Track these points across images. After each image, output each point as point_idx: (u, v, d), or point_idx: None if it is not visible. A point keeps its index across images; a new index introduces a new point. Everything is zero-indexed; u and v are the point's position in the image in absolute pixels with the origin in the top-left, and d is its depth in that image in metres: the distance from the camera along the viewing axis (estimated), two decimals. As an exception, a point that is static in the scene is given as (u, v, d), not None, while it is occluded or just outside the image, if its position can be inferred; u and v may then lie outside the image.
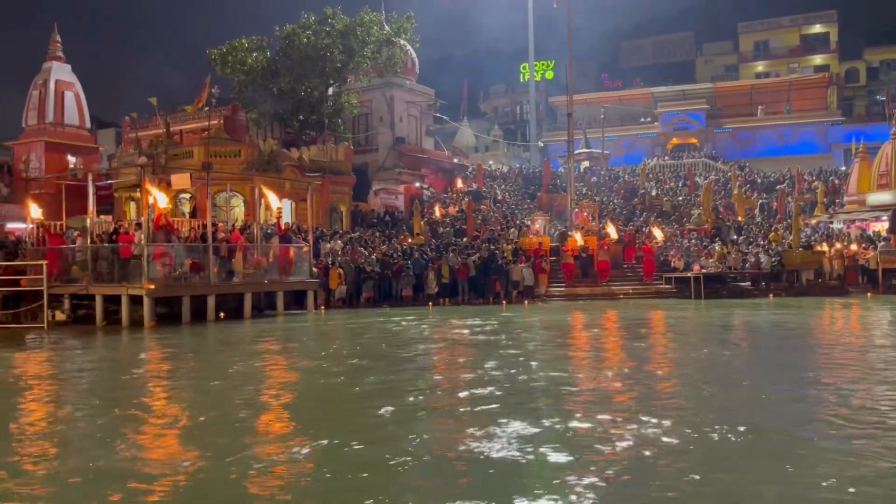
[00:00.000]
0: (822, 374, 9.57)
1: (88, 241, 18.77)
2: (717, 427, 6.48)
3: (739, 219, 31.32)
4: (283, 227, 21.83)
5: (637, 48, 71.57)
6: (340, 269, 22.29)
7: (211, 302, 18.18)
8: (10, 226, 25.88)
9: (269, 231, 21.43)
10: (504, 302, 22.65)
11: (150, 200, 18.54)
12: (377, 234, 27.25)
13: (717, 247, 26.22)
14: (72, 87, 32.01)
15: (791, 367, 10.27)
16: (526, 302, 22.85)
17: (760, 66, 61.13)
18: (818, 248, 26.03)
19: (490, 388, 8.59)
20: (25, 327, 17.15)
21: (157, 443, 6.61)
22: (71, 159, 30.63)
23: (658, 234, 27.63)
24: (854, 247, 26.02)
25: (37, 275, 17.94)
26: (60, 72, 31.66)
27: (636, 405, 7.65)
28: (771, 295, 23.67)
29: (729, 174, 38.95)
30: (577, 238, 25.95)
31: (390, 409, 7.54)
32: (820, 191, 33.18)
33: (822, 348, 12.61)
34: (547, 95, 60.00)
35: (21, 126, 32.03)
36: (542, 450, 5.87)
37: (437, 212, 30.72)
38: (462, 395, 8.34)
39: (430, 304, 22.24)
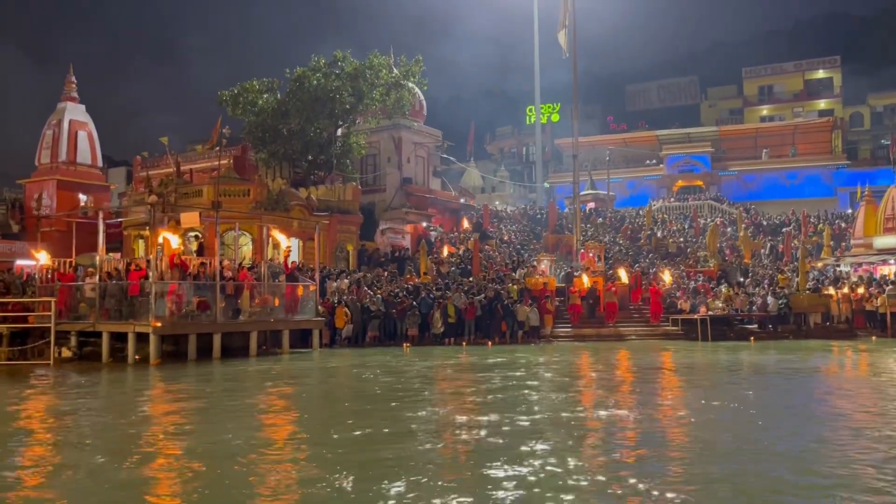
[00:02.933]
0: (838, 425, 9.46)
1: (97, 278, 18.90)
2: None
3: (746, 261, 31.29)
4: (289, 265, 21.94)
5: (642, 92, 72.53)
6: (346, 309, 22.31)
7: (217, 340, 18.19)
8: (20, 262, 26.07)
9: (276, 270, 21.53)
10: (490, 342, 22.50)
11: (161, 240, 18.73)
12: (385, 272, 27.31)
13: (723, 289, 26.16)
14: (85, 126, 32.57)
15: (803, 414, 10.15)
16: (540, 343, 22.74)
17: (765, 110, 61.74)
18: (825, 291, 25.92)
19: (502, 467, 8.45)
20: (32, 364, 17.16)
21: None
22: (82, 197, 30.98)
23: (667, 276, 27.62)
24: (861, 290, 25.91)
25: (45, 311, 18.04)
26: (74, 112, 32.26)
27: (645, 470, 7.57)
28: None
29: (734, 216, 39.04)
30: (584, 279, 25.96)
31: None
32: (826, 234, 33.17)
33: (835, 395, 12.50)
34: (553, 137, 60.58)
35: (34, 164, 32.54)
36: None
37: (446, 250, 30.84)
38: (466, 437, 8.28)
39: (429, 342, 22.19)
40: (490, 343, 22.55)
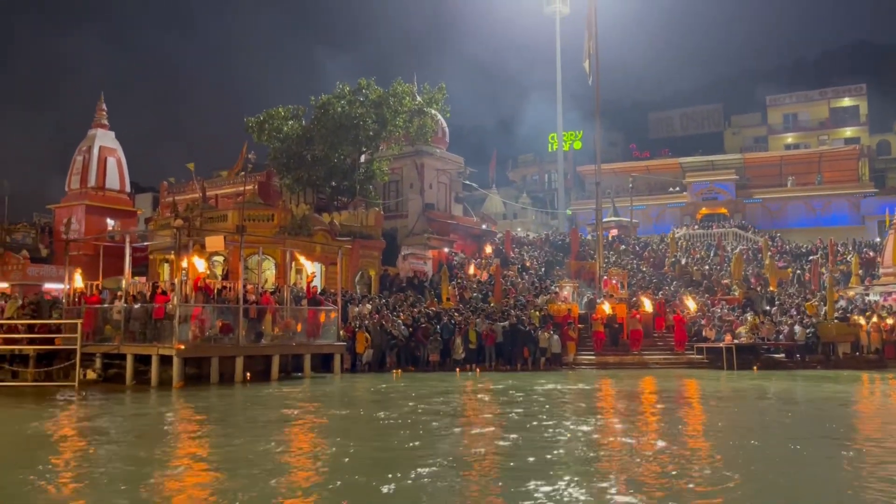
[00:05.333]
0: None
1: (123, 301, 19.10)
2: None
3: (772, 289, 30.85)
4: (312, 290, 22.02)
5: (665, 120, 72.46)
6: (367, 334, 22.29)
7: (239, 363, 18.24)
8: (48, 286, 26.46)
9: (298, 294, 21.63)
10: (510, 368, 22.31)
11: (185, 264, 18.91)
12: (409, 296, 27.31)
13: (749, 317, 25.77)
14: (114, 153, 33.19)
15: (840, 445, 9.80)
16: (565, 370, 22.52)
17: (790, 138, 61.31)
18: (854, 320, 25.43)
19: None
20: (56, 385, 17.31)
21: None
22: (110, 222, 31.45)
23: (691, 304, 27.31)
24: (891, 321, 25.40)
25: (71, 333, 18.24)
26: (104, 139, 32.90)
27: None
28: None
29: (760, 244, 38.60)
30: (606, 307, 25.75)
31: None
32: (854, 262, 32.65)
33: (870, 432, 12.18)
34: (575, 164, 60.62)
35: (64, 190, 33.17)
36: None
37: (472, 269, 30.93)
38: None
39: (458, 369, 22.07)
40: (509, 368, 22.36)
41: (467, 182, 42.38)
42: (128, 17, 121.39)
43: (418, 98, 34.46)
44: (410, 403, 14.15)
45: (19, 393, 16.31)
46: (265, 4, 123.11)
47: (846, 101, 60.99)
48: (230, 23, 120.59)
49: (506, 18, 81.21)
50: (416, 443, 9.56)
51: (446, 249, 34.70)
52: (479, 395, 16.08)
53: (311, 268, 23.80)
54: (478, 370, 22.25)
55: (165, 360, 17.40)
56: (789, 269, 34.14)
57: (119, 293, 19.86)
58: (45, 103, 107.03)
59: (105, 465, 8.32)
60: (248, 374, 18.35)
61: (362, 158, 33.91)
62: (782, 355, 24.66)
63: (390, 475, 7.47)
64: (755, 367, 22.92)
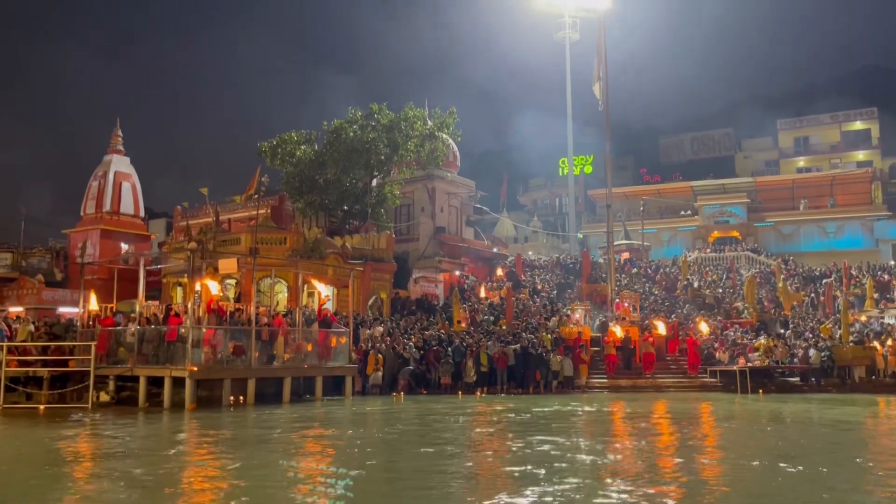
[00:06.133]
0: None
1: (136, 323, 19.22)
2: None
3: (786, 312, 30.63)
4: (323, 312, 22.07)
5: (676, 144, 72.50)
6: (379, 356, 22.26)
7: (251, 386, 18.26)
8: (63, 309, 26.66)
9: (310, 316, 21.69)
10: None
11: (198, 286, 19.03)
12: (420, 319, 27.33)
13: (762, 340, 25.57)
14: (129, 177, 33.58)
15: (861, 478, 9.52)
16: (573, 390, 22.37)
17: (801, 162, 61.18)
18: (870, 343, 25.18)
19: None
20: (70, 407, 17.39)
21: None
22: (124, 246, 31.71)
23: (704, 327, 27.15)
24: (907, 344, 25.12)
25: (85, 356, 18.35)
26: (120, 164, 33.31)
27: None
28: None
29: (772, 268, 38.38)
30: (618, 330, 25.64)
31: None
32: (869, 285, 32.41)
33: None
34: (586, 189, 60.70)
35: (79, 214, 33.54)
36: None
37: (483, 291, 30.93)
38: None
39: (473, 392, 21.96)
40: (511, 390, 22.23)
41: (478, 206, 42.54)
42: (143, 48, 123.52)
43: (429, 122, 34.76)
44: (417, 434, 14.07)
45: (33, 414, 16.40)
46: (273, 33, 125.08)
47: (858, 125, 60.90)
48: (241, 51, 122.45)
49: (517, 45, 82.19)
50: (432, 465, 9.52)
51: (457, 273, 34.75)
52: (492, 420, 15.99)
53: (325, 292, 23.92)
54: (477, 393, 21.94)
55: (178, 382, 17.45)
56: (802, 293, 33.91)
57: (133, 315, 19.99)
58: (59, 128, 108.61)
59: (114, 484, 8.35)
60: (260, 396, 18.34)
61: (374, 182, 34.16)
62: (797, 379, 24.43)
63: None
64: (760, 391, 22.70)
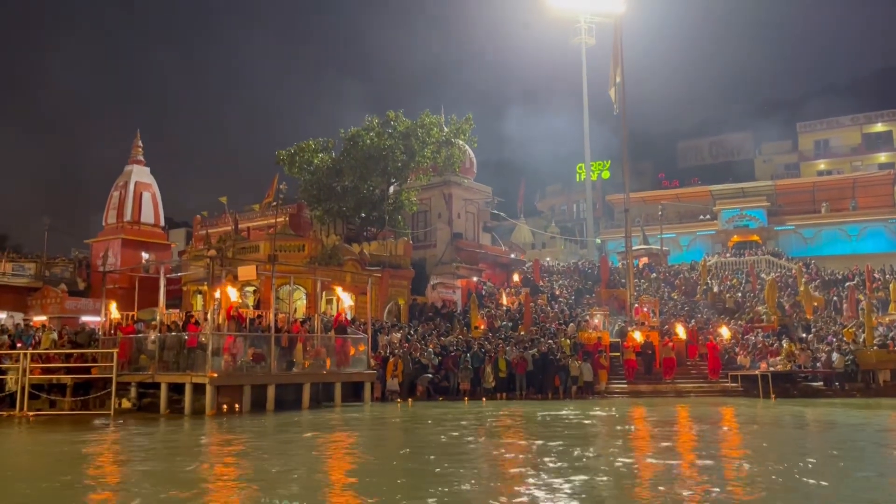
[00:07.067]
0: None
1: (157, 330, 19.40)
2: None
3: (808, 316, 30.25)
4: (342, 318, 22.13)
5: (694, 148, 71.97)
6: (400, 361, 22.27)
7: (271, 392, 18.36)
8: (85, 318, 26.99)
9: (328, 323, 21.78)
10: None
11: (217, 294, 19.19)
12: (439, 325, 27.34)
13: (784, 344, 25.27)
14: (149, 187, 33.99)
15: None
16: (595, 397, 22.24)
17: (822, 165, 60.53)
18: (894, 347, 24.79)
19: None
20: (92, 414, 17.57)
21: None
22: (144, 255, 32.09)
23: (725, 331, 26.90)
24: (933, 347, 24.69)
25: (107, 363, 18.54)
26: (140, 174, 33.75)
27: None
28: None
29: (793, 271, 37.95)
30: (637, 335, 25.48)
31: None
32: (893, 288, 31.90)
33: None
34: (604, 194, 60.44)
35: (101, 224, 33.99)
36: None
37: (505, 300, 30.89)
38: None
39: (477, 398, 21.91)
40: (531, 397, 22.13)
41: (495, 212, 42.52)
42: (159, 57, 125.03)
43: (445, 129, 34.84)
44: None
45: (57, 421, 16.58)
46: (283, 42, 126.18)
47: (879, 127, 60.20)
48: (256, 59, 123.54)
49: (532, 51, 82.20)
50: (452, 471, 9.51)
51: (475, 278, 34.73)
52: (512, 424, 15.94)
53: (348, 301, 24.15)
54: (484, 399, 21.83)
55: (199, 389, 17.58)
56: (822, 297, 33.48)
57: (153, 323, 20.18)
58: (86, 138, 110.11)
59: (138, 486, 8.42)
60: (280, 402, 18.42)
61: (391, 189, 34.28)
62: (820, 383, 24.10)
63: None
64: (772, 396, 22.42)
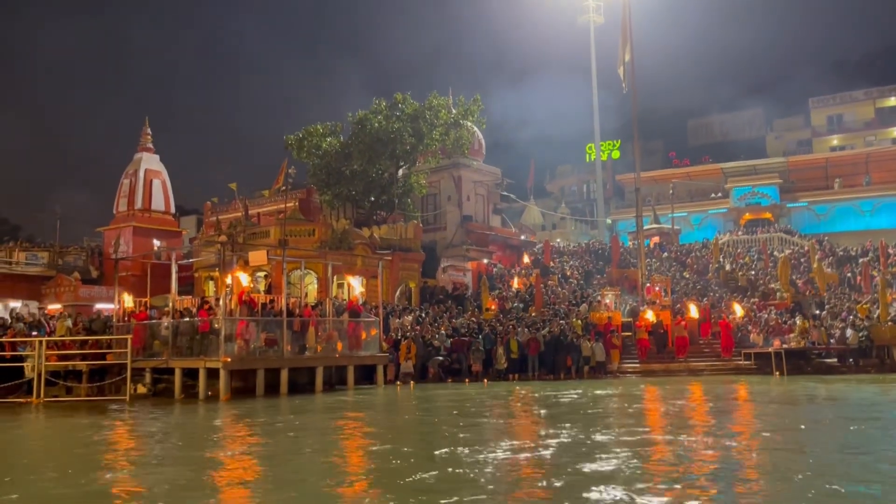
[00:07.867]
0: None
1: (170, 316, 19.53)
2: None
3: (821, 293, 30.06)
4: (355, 304, 22.17)
5: (705, 126, 71.27)
6: (412, 344, 22.34)
7: (284, 375, 18.47)
8: (99, 306, 27.20)
9: (341, 306, 21.84)
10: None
11: (229, 280, 19.26)
12: (450, 308, 27.37)
13: (798, 321, 25.14)
14: (159, 175, 34.08)
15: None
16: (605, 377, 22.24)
17: (835, 140, 59.85)
18: (910, 322, 24.59)
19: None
20: (108, 399, 17.74)
21: None
22: (156, 243, 32.23)
23: (738, 309, 26.78)
24: (948, 322, 24.48)
25: (121, 349, 18.70)
26: (150, 161, 33.84)
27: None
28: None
29: (806, 248, 37.68)
30: (649, 315, 25.40)
31: None
32: (908, 263, 31.66)
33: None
34: (614, 174, 60.07)
35: (112, 213, 34.15)
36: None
37: (517, 283, 30.89)
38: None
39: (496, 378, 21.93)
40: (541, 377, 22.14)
41: (505, 193, 42.38)
42: (166, 44, 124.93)
43: (454, 111, 34.66)
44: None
45: (74, 407, 16.75)
46: (286, 25, 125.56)
47: (893, 101, 59.37)
48: (264, 44, 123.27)
49: (539, 29, 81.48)
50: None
51: (485, 261, 34.70)
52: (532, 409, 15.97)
53: (359, 287, 24.18)
54: (485, 381, 21.87)
55: (212, 374, 17.71)
56: (836, 273, 33.24)
57: (166, 309, 20.32)
58: (96, 126, 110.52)
59: (160, 468, 8.50)
60: (293, 386, 18.54)
61: (400, 172, 34.21)
62: (834, 360, 24.00)
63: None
64: (778, 373, 22.32)
